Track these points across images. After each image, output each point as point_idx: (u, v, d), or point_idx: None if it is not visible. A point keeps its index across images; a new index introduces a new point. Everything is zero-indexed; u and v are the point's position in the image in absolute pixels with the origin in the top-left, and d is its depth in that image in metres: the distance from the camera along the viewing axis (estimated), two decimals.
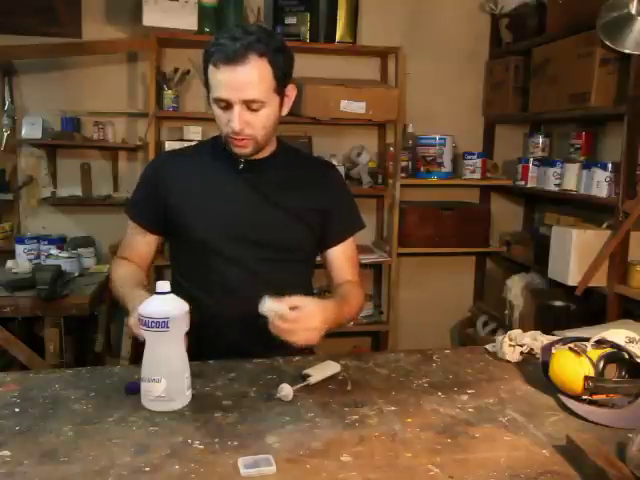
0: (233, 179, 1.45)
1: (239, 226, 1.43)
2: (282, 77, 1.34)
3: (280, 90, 1.35)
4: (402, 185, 3.06)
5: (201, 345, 1.34)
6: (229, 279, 1.43)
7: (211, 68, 1.31)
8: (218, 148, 1.47)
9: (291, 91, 1.40)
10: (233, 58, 1.27)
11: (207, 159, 1.48)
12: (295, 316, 1.19)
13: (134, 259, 1.50)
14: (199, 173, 1.46)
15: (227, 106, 1.32)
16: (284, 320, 1.18)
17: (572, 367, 1.14)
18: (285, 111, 1.41)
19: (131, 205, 1.54)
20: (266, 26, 2.35)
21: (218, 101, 1.32)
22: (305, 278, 1.58)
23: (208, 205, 1.43)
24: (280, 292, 1.44)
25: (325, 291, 3.05)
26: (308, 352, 1.51)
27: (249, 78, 1.29)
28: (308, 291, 1.60)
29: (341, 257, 1.56)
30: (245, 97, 1.30)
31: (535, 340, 1.40)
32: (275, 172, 1.46)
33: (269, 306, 1.18)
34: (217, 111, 1.35)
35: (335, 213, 1.53)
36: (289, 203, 1.46)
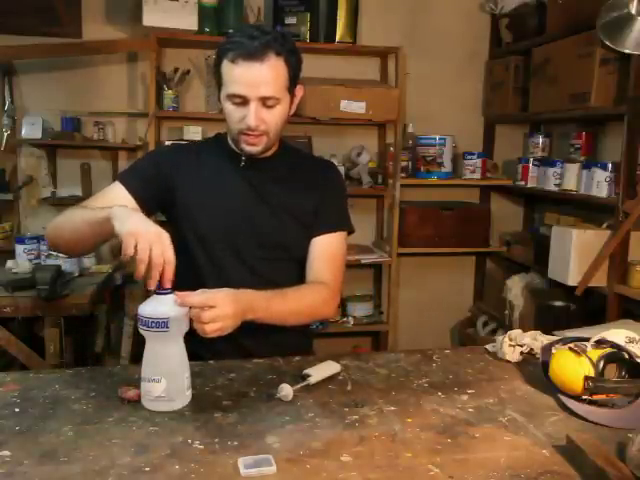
0: (234, 177, 1.45)
1: (238, 224, 1.43)
2: (294, 77, 1.38)
3: (292, 89, 1.39)
4: (402, 185, 3.06)
5: (200, 343, 1.34)
6: (227, 276, 1.42)
7: (227, 64, 1.32)
8: (221, 146, 1.48)
9: (299, 91, 1.44)
10: (253, 55, 1.29)
11: (210, 156, 1.49)
12: (199, 302, 1.13)
13: None
14: (202, 169, 1.46)
15: (242, 102, 1.33)
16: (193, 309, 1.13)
17: (572, 367, 1.14)
18: (293, 110, 1.44)
19: (123, 174, 1.46)
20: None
21: (233, 97, 1.33)
22: (304, 278, 1.57)
23: (209, 201, 1.43)
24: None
25: None
26: (308, 352, 1.51)
27: (267, 75, 1.31)
28: None
29: (318, 252, 1.48)
30: (263, 94, 1.32)
31: (535, 340, 1.40)
32: (276, 171, 1.46)
33: None
34: (230, 108, 1.35)
35: (321, 208, 1.49)
36: (288, 203, 1.46)
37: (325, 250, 1.48)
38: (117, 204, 1.27)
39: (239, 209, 1.44)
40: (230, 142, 1.47)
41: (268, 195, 1.45)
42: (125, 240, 1.08)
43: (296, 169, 1.50)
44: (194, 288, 1.43)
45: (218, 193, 1.44)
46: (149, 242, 1.07)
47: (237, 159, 1.45)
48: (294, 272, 1.51)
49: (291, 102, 1.41)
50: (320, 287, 1.43)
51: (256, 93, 1.31)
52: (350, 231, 1.55)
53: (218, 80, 1.37)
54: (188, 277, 1.46)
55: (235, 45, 1.30)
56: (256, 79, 1.31)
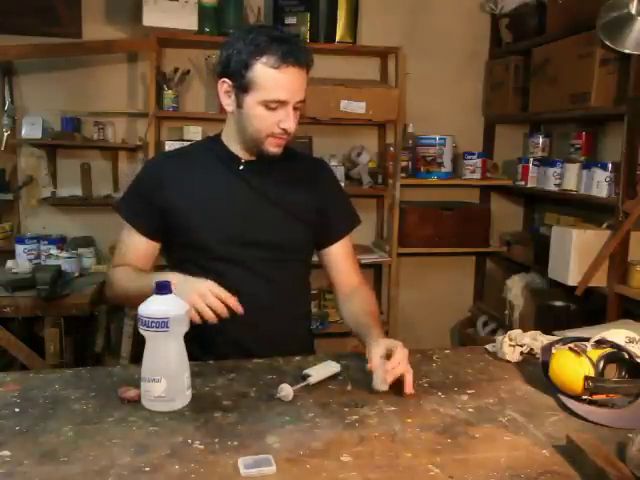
0: (233, 180, 1.44)
1: (241, 227, 1.42)
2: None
3: None
4: (402, 185, 3.06)
5: (204, 345, 1.34)
6: (231, 280, 1.41)
7: (264, 69, 1.30)
8: (217, 149, 1.47)
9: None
10: (298, 60, 1.30)
11: (206, 160, 1.47)
12: (398, 360, 1.18)
13: (133, 264, 1.44)
14: (198, 174, 1.45)
15: (278, 106, 1.32)
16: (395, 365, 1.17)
17: (572, 367, 1.14)
18: None
19: (126, 208, 1.48)
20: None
21: (272, 102, 1.32)
22: (304, 278, 1.58)
23: (209, 206, 1.42)
24: (281, 292, 1.45)
25: (326, 291, 3.05)
26: (310, 353, 1.51)
27: (304, 80, 1.34)
28: (306, 291, 1.61)
29: (342, 255, 1.54)
30: (300, 98, 1.34)
31: (535, 340, 1.40)
32: (274, 172, 1.46)
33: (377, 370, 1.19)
34: (263, 112, 1.33)
35: (332, 211, 1.53)
36: (288, 203, 1.46)
37: (346, 252, 1.55)
38: (140, 252, 1.45)
39: (241, 212, 1.43)
40: (229, 145, 1.45)
41: (269, 196, 1.44)
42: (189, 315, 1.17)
43: (293, 169, 1.50)
44: None
45: (218, 198, 1.43)
46: (204, 299, 1.20)
47: (236, 162, 1.44)
48: (296, 272, 1.52)
49: None
50: (365, 290, 1.53)
51: (296, 97, 1.33)
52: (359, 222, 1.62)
53: (241, 85, 1.33)
54: None
55: (274, 50, 1.29)
56: (298, 84, 1.32)
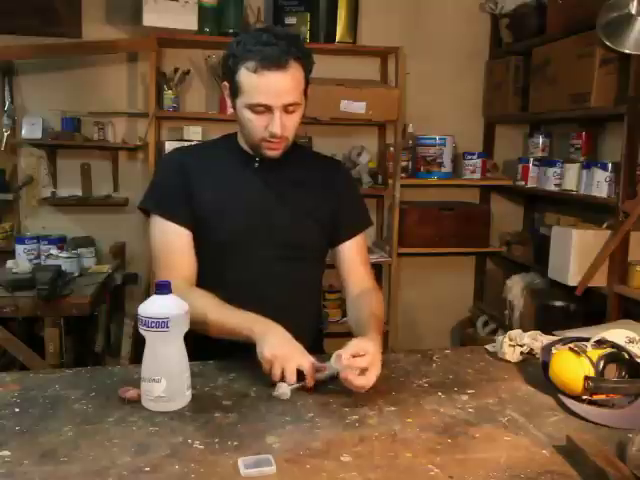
0: (250, 178, 1.44)
1: (258, 224, 1.42)
2: (308, 79, 1.37)
3: (306, 92, 1.38)
4: (402, 185, 3.06)
5: (217, 342, 1.33)
6: (247, 277, 1.42)
7: (246, 74, 1.29)
8: (232, 147, 1.47)
9: (309, 92, 1.41)
10: (277, 64, 1.27)
11: (222, 158, 1.48)
12: (366, 365, 1.15)
13: (186, 272, 1.40)
14: (216, 171, 1.45)
15: (264, 111, 1.31)
16: (359, 374, 1.15)
17: (572, 367, 1.14)
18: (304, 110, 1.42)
19: (159, 202, 1.43)
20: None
21: (256, 106, 1.31)
22: (318, 277, 1.58)
23: (227, 203, 1.42)
24: (295, 290, 1.45)
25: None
26: (320, 352, 1.51)
27: (290, 83, 1.30)
28: (319, 290, 1.62)
29: (353, 254, 1.54)
30: (287, 101, 1.31)
31: (535, 340, 1.40)
32: (289, 171, 1.46)
33: (339, 365, 1.16)
34: (250, 116, 1.33)
35: (345, 209, 1.52)
36: (304, 201, 1.46)
37: (358, 252, 1.54)
38: (188, 253, 1.41)
39: (258, 210, 1.43)
40: (242, 145, 1.46)
41: (285, 194, 1.45)
42: (263, 366, 1.19)
43: (308, 168, 1.51)
44: (211, 288, 1.41)
45: (235, 195, 1.43)
46: (281, 365, 1.16)
47: (251, 160, 1.45)
48: (310, 271, 1.52)
49: (305, 104, 1.39)
50: (374, 293, 1.49)
51: (280, 101, 1.30)
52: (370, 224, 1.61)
53: (233, 89, 1.34)
54: (204, 278, 1.45)
55: (253, 54, 1.28)
56: (281, 88, 1.29)
